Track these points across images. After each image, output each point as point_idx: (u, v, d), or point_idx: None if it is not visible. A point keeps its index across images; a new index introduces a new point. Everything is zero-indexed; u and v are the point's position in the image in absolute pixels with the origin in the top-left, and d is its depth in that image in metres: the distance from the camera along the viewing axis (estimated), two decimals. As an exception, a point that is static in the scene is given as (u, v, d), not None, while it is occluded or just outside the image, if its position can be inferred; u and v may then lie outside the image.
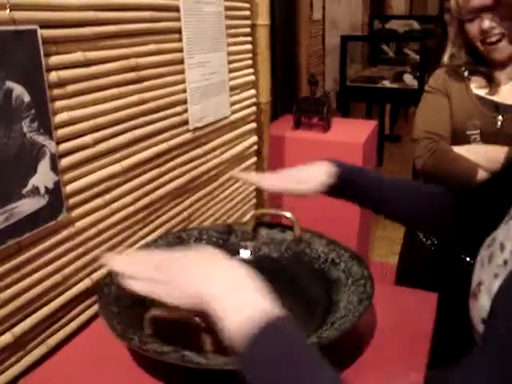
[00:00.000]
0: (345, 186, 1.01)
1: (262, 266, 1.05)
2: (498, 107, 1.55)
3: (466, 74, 1.63)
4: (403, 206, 1.04)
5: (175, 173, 1.40)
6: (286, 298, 1.00)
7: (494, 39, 1.46)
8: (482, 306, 0.66)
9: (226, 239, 1.08)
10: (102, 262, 0.74)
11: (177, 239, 1.07)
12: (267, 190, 1.03)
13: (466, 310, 0.72)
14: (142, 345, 0.77)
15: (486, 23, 1.44)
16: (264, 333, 0.57)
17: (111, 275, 0.93)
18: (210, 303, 0.62)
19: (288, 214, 1.05)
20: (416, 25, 5.57)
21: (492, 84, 1.58)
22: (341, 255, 1.01)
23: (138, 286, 0.69)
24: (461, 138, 1.60)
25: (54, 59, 0.98)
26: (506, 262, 0.65)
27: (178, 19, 1.33)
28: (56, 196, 0.99)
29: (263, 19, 1.79)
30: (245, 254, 1.07)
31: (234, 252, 1.07)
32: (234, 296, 0.62)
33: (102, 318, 0.84)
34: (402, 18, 5.90)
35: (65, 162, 1.02)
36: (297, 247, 1.05)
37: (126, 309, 0.88)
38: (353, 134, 2.71)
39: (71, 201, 1.05)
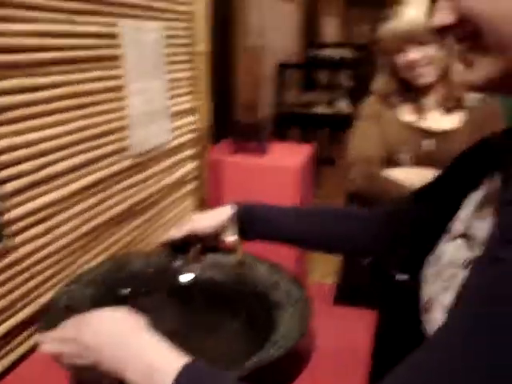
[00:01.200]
0: (248, 226, 1.08)
1: (206, 289, 1.07)
2: (426, 132, 1.64)
3: (396, 101, 1.71)
4: (328, 236, 1.08)
5: (117, 199, 1.40)
6: (230, 320, 1.03)
7: (420, 70, 1.56)
8: (435, 318, 0.69)
9: (170, 263, 1.10)
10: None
11: (122, 264, 1.08)
12: (178, 237, 1.09)
13: (407, 326, 0.76)
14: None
15: (412, 56, 1.54)
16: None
17: (53, 301, 0.93)
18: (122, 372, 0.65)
19: (232, 238, 1.07)
20: (348, 52, 5.76)
21: (420, 110, 1.67)
22: (281, 278, 1.04)
23: (47, 348, 0.72)
24: (393, 162, 1.68)
25: (-5, 86, 0.98)
26: (455, 275, 0.69)
27: (119, 46, 1.35)
28: (-4, 223, 0.98)
29: (202, 46, 1.83)
30: (189, 277, 1.09)
31: (178, 276, 1.08)
32: (139, 363, 0.65)
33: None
34: (334, 47, 6.10)
35: (5, 188, 1.02)
36: (240, 270, 1.08)
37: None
38: (290, 158, 2.77)
39: (14, 227, 1.05)
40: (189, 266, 1.10)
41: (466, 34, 0.62)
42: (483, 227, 0.67)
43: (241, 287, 1.06)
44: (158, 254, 1.11)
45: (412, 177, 1.57)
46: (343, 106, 4.05)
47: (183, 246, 1.10)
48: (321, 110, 4.03)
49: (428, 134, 1.65)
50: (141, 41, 1.43)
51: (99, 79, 1.28)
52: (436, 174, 1.00)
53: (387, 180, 1.61)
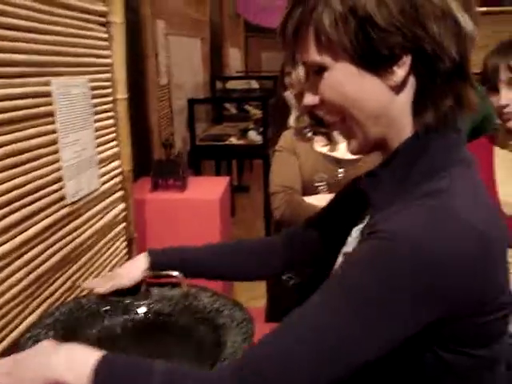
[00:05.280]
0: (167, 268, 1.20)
1: (156, 321, 1.18)
2: (339, 161, 1.83)
3: (309, 134, 1.89)
4: (245, 266, 1.24)
5: (58, 246, 1.48)
6: (181, 346, 1.14)
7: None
8: None
9: (121, 301, 1.19)
10: None
11: (77, 306, 1.17)
12: (103, 293, 1.20)
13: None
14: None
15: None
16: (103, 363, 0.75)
17: (19, 346, 1.00)
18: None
19: (175, 273, 1.19)
20: (255, 83, 5.99)
21: (332, 142, 1.86)
22: (224, 304, 1.16)
23: None
24: (310, 190, 1.85)
25: None
26: None
27: (51, 103, 1.44)
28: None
29: (122, 93, 1.93)
30: (140, 311, 1.19)
31: (130, 311, 1.19)
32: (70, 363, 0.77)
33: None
34: (241, 79, 6.33)
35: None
36: (186, 301, 1.20)
37: None
38: (209, 191, 2.90)
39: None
40: (139, 302, 1.20)
41: (333, 112, 0.83)
42: None
43: (188, 316, 1.17)
44: (109, 294, 1.20)
45: (326, 202, 1.74)
46: (253, 136, 4.24)
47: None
48: (234, 141, 4.19)
49: (340, 162, 1.83)
50: (70, 96, 1.52)
51: (35, 136, 1.37)
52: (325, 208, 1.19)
53: (309, 206, 1.76)
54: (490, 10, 2.97)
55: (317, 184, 1.84)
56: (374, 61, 0.75)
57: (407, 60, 0.74)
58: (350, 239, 0.96)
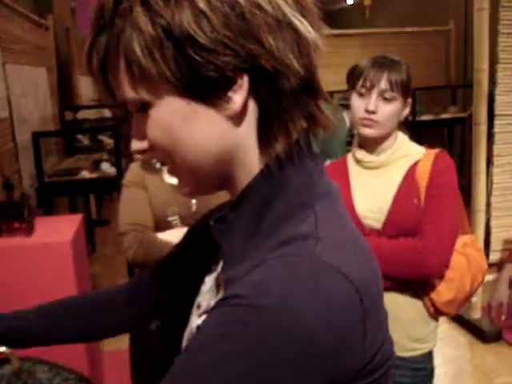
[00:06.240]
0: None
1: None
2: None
3: (158, 165, 1.75)
4: (87, 325, 1.07)
5: None
6: None
7: None
8: None
9: None
10: None
11: None
12: None
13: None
14: None
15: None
16: None
17: None
18: None
19: (2, 349, 0.99)
20: (107, 111, 5.75)
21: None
22: (65, 378, 0.99)
23: None
24: (163, 225, 1.71)
25: None
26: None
27: None
28: None
29: None
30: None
31: None
32: None
33: None
34: (91, 108, 6.05)
35: None
36: (18, 380, 1.00)
37: None
38: (59, 233, 2.66)
39: None
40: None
41: (166, 157, 0.68)
42: None
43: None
44: None
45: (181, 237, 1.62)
46: (107, 167, 4.03)
47: None
48: (86, 175, 3.95)
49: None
50: None
51: None
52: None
53: (163, 244, 1.63)
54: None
55: (170, 218, 1.72)
56: (203, 89, 0.61)
57: (244, 82, 0.62)
58: (203, 288, 0.83)
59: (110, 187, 4.18)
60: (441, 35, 7.53)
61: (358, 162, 1.71)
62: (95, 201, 6.22)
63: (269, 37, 0.60)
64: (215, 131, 0.64)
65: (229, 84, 0.61)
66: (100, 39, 0.62)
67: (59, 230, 2.70)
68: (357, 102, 1.65)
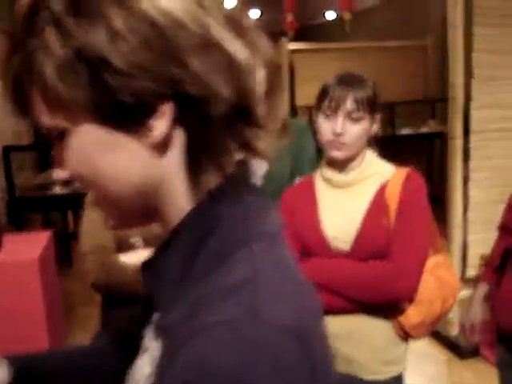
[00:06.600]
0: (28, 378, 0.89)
1: None
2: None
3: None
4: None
5: None
6: None
7: None
8: None
9: None
10: None
11: None
12: None
13: None
14: None
15: None
16: None
17: None
18: None
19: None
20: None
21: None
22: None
23: None
24: (125, 246, 1.66)
25: None
26: None
27: None
28: None
29: None
30: None
31: None
32: None
33: None
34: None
35: None
36: None
37: None
38: (27, 250, 2.60)
39: None
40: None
41: (85, 187, 0.64)
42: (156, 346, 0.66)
43: None
44: None
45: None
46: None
47: None
48: (57, 190, 3.87)
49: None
50: None
51: None
52: None
53: (125, 266, 1.58)
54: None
55: (132, 240, 1.66)
56: (121, 116, 0.56)
57: (166, 109, 0.56)
58: (144, 343, 0.74)
59: (82, 203, 4.10)
60: (420, 50, 7.56)
61: (326, 180, 1.67)
62: (72, 214, 6.12)
63: (194, 60, 0.55)
64: (138, 161, 0.59)
65: (148, 111, 0.56)
66: (13, 58, 0.57)
67: (27, 248, 2.64)
68: (324, 125, 1.61)
